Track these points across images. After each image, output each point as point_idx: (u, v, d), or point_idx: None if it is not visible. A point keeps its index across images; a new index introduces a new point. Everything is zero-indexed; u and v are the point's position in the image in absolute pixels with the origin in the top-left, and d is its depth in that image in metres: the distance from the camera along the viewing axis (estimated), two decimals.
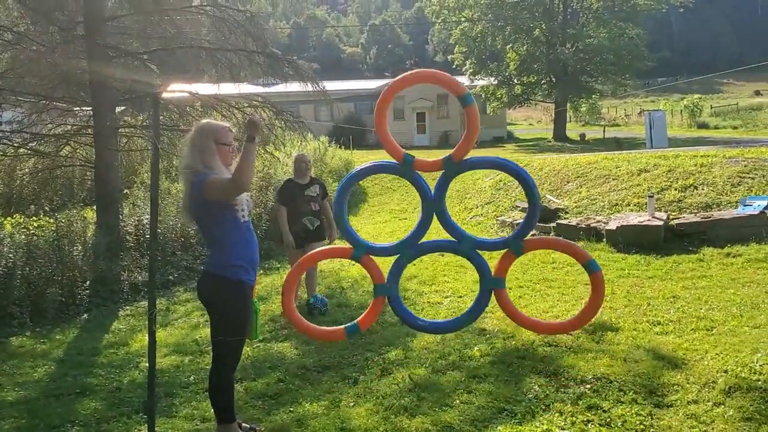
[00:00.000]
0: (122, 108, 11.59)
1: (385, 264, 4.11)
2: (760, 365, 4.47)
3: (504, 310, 4.02)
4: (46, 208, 10.80)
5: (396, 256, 4.13)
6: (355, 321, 4.03)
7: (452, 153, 3.89)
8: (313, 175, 7.14)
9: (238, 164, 3.44)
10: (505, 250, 3.95)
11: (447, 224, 3.97)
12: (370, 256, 4.06)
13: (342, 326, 4.09)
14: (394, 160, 4.01)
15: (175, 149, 9.79)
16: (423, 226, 3.99)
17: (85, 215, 9.31)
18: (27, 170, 11.71)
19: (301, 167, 6.89)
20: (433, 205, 3.93)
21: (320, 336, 4.30)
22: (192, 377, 5.06)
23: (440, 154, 4.07)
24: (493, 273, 3.93)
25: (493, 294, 4.00)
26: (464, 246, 3.94)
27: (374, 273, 4.01)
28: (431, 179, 3.89)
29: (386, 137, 3.91)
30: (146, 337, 6.22)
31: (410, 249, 4.01)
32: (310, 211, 6.80)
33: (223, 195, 3.51)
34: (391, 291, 3.98)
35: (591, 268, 3.84)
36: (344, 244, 4.26)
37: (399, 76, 3.98)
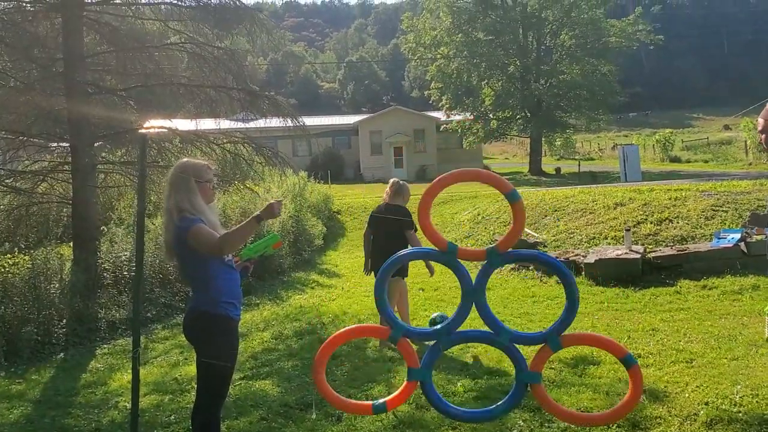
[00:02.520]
0: (98, 144, 11.55)
1: None
2: (740, 397, 4.53)
3: (541, 404, 3.99)
4: (22, 245, 10.65)
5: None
6: (384, 400, 4.03)
7: (497, 245, 3.89)
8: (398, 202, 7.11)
9: (232, 231, 3.51)
10: (542, 344, 3.93)
11: (485, 315, 3.91)
12: (408, 339, 4.02)
13: (370, 402, 4.09)
14: (435, 248, 3.96)
15: (154, 185, 9.75)
16: (461, 314, 3.93)
17: (61, 252, 9.20)
18: (2, 207, 11.57)
19: (402, 192, 6.92)
20: (473, 294, 3.91)
21: (349, 409, 4.30)
22: (173, 416, 4.98)
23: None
24: (529, 366, 3.91)
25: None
26: (501, 338, 3.89)
27: (410, 357, 3.95)
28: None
29: (430, 229, 3.90)
30: (125, 376, 6.16)
31: (447, 336, 3.98)
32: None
33: (204, 249, 3.52)
34: (424, 376, 3.93)
35: (628, 363, 3.81)
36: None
37: (442, 176, 3.96)
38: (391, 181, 7.16)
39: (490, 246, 3.93)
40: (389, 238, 6.61)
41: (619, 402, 3.97)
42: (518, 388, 3.90)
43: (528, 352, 4.09)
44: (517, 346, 3.95)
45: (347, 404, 4.17)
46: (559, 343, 3.84)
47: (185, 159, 4.08)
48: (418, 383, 3.96)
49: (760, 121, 3.33)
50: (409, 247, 6.07)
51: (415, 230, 6.62)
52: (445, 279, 9.55)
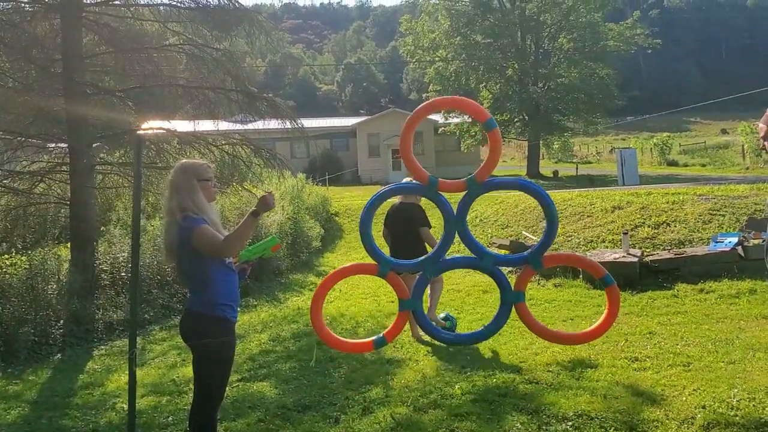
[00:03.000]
0: (96, 144, 11.55)
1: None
2: (737, 401, 4.54)
3: (524, 322, 4.26)
4: (19, 245, 10.63)
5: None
6: (382, 334, 4.22)
7: (475, 174, 4.04)
8: (417, 201, 7.48)
9: (234, 232, 3.52)
10: (525, 265, 4.09)
11: (469, 242, 4.17)
12: (395, 272, 4.23)
13: (371, 339, 4.26)
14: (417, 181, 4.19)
15: (152, 186, 9.75)
16: (445, 243, 4.18)
17: (59, 253, 9.19)
18: (0, 208, 11.55)
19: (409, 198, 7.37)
20: (456, 224, 4.07)
21: (350, 349, 4.44)
22: (170, 418, 4.98)
23: None
24: (513, 287, 4.06)
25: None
26: (485, 262, 4.10)
27: (399, 289, 4.17)
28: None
29: (411, 161, 4.08)
30: (122, 378, 6.15)
31: (433, 265, 4.14)
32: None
33: (207, 251, 3.53)
34: (415, 305, 4.13)
35: (606, 281, 4.07)
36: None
37: (425, 103, 4.21)
38: (404, 180, 7.28)
39: (469, 176, 4.07)
40: (405, 236, 6.88)
41: (600, 319, 4.24)
42: (503, 308, 4.18)
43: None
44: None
45: (347, 344, 4.36)
46: (540, 263, 4.00)
47: (184, 160, 4.09)
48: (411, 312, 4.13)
49: (762, 126, 3.33)
50: (427, 246, 6.37)
51: (429, 227, 6.95)
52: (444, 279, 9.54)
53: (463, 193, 4.25)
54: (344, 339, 4.42)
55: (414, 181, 4.33)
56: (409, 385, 5.40)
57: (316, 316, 4.10)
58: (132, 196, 9.91)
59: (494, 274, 4.12)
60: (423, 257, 4.34)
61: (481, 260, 4.09)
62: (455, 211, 4.13)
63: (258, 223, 3.71)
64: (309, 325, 7.99)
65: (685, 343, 6.16)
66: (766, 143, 3.36)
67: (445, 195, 4.30)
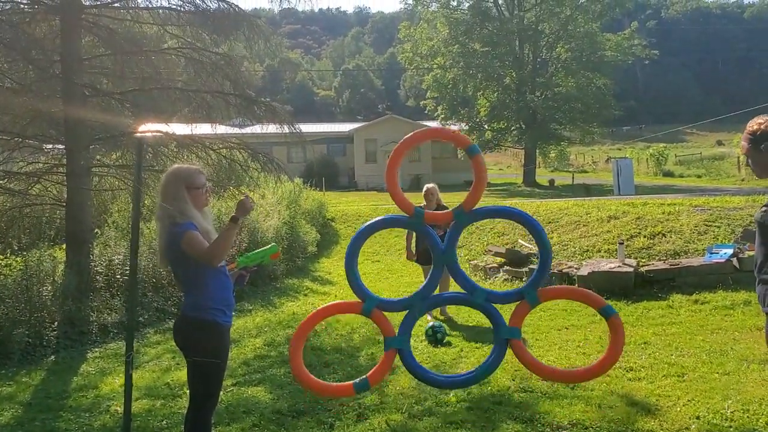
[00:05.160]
0: (93, 146, 11.53)
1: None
2: (731, 412, 4.55)
3: (520, 359, 3.91)
4: (14, 246, 10.60)
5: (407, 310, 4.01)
6: (365, 377, 3.86)
7: (462, 203, 3.86)
8: (442, 203, 8.47)
9: (215, 241, 3.52)
10: (520, 300, 3.89)
11: (458, 276, 3.88)
12: (380, 310, 3.94)
13: (351, 382, 3.90)
14: (404, 214, 3.96)
15: (149, 189, 9.73)
16: (434, 278, 3.92)
17: (54, 254, 9.17)
18: None
19: (428, 197, 8.33)
20: (444, 257, 3.88)
21: (331, 392, 4.12)
22: (165, 422, 4.97)
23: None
24: (508, 323, 3.86)
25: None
26: (477, 298, 3.84)
27: (384, 326, 3.86)
28: None
29: (397, 193, 3.86)
30: (116, 380, 6.14)
31: (421, 302, 3.91)
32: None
33: (195, 257, 3.54)
34: (402, 344, 3.83)
35: (607, 313, 3.77)
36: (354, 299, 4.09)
37: (406, 137, 3.98)
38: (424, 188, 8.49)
39: (456, 206, 3.90)
40: None
41: (602, 354, 3.86)
42: (499, 345, 3.86)
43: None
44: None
45: (329, 388, 4.05)
46: (536, 298, 3.80)
47: (176, 165, 4.08)
48: (397, 352, 3.84)
49: (743, 144, 3.35)
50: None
51: None
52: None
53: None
54: (325, 382, 4.17)
55: (400, 215, 4.08)
56: (404, 392, 5.40)
57: (296, 361, 3.81)
58: (131, 198, 9.92)
59: (486, 310, 3.85)
60: (410, 295, 4.10)
61: (472, 295, 3.87)
62: (443, 243, 3.93)
63: (239, 228, 3.67)
64: None
65: (679, 354, 6.18)
66: (748, 158, 3.37)
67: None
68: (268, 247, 3.84)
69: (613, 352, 3.75)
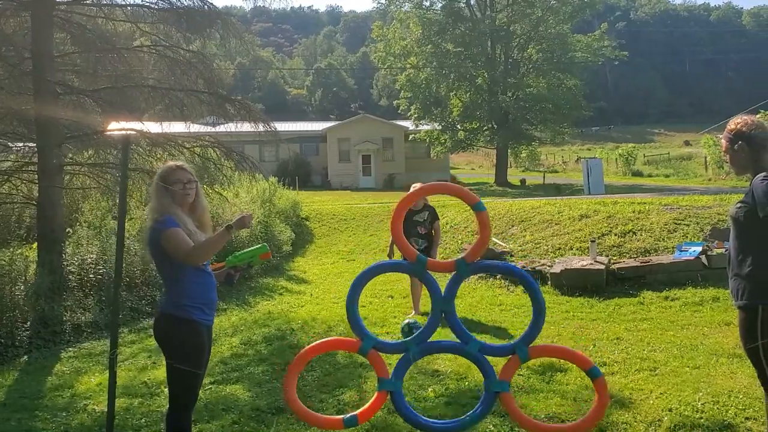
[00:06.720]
0: (64, 144, 11.38)
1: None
2: (702, 404, 4.68)
3: (509, 412, 4.03)
4: None
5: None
6: (355, 414, 3.95)
7: (465, 255, 3.95)
8: (428, 202, 8.47)
9: (202, 243, 3.56)
10: (511, 355, 3.98)
11: (454, 325, 3.97)
12: (377, 351, 4.02)
13: (341, 417, 4.01)
14: (406, 260, 4.05)
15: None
16: (432, 324, 4.00)
17: (26, 254, 9.05)
18: None
19: None
20: (443, 304, 3.95)
21: (321, 424, 4.20)
22: (143, 420, 4.95)
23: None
24: (498, 376, 3.94)
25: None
26: (470, 348, 3.94)
27: (379, 367, 3.95)
28: None
29: (402, 240, 3.97)
30: (92, 379, 6.11)
31: (418, 347, 4.00)
32: (418, 233, 8.16)
33: (174, 255, 3.55)
34: (395, 386, 3.93)
35: (593, 374, 3.88)
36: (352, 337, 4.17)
37: (419, 188, 4.16)
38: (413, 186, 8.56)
39: (459, 257, 4.00)
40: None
41: (587, 413, 4.04)
42: (487, 397, 3.95)
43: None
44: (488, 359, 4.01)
45: (317, 419, 4.13)
46: (527, 354, 3.92)
47: (161, 164, 4.10)
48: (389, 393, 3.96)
49: (723, 142, 3.47)
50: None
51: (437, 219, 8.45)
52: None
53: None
54: (317, 414, 4.23)
55: (402, 259, 4.16)
56: None
57: (290, 392, 3.88)
58: (102, 197, 9.77)
59: (478, 360, 3.92)
60: (407, 339, 4.18)
61: (466, 345, 3.98)
62: (443, 291, 4.02)
63: (230, 238, 3.68)
64: (280, 329, 8.01)
65: (651, 349, 6.31)
66: (727, 157, 3.49)
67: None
68: (257, 246, 3.85)
69: (599, 410, 3.89)
